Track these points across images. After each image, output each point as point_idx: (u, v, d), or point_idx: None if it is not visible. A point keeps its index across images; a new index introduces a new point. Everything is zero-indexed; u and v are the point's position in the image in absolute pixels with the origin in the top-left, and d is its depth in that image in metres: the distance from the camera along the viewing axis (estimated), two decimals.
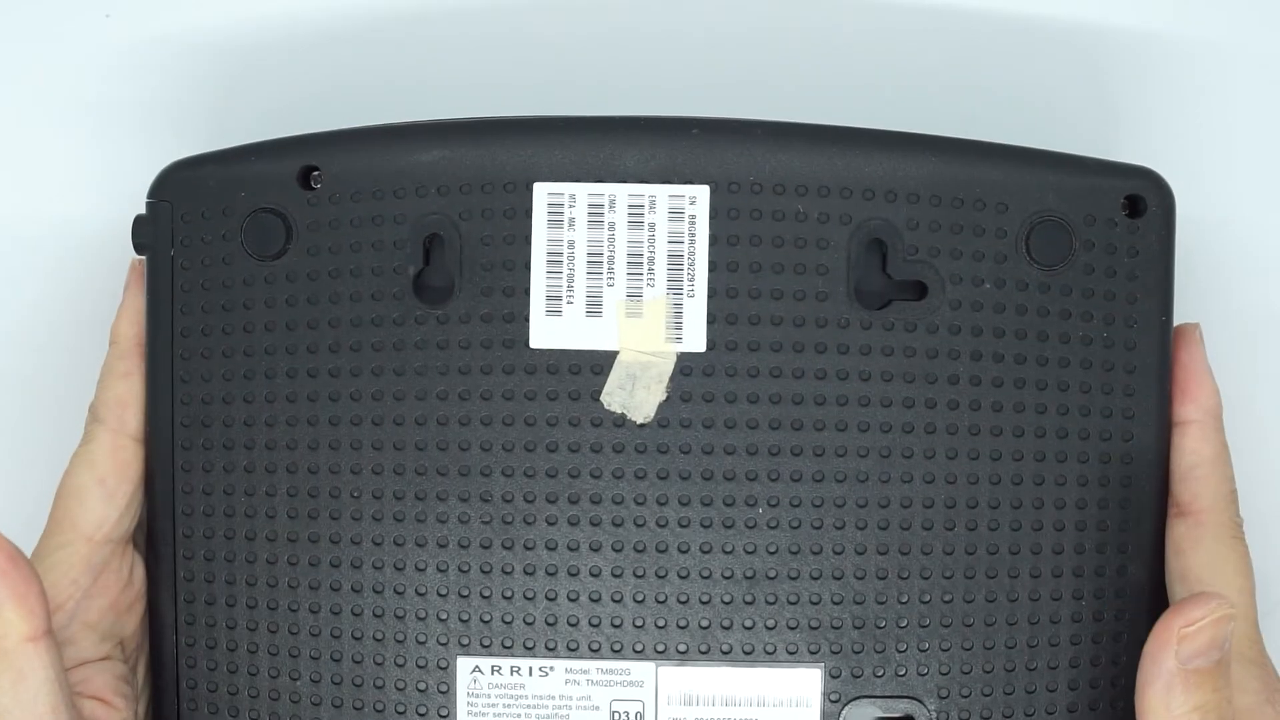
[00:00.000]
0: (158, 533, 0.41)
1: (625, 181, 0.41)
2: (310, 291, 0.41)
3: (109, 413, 0.41)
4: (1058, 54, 0.48)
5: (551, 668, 0.41)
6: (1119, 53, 0.48)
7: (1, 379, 0.48)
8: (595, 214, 0.40)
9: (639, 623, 0.41)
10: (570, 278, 0.40)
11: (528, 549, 0.41)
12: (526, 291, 0.40)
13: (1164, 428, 0.41)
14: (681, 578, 0.41)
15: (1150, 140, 0.48)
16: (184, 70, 0.48)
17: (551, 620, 0.41)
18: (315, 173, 0.41)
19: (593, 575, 0.41)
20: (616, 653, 0.41)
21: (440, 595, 0.41)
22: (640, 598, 0.41)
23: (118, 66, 0.48)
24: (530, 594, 0.41)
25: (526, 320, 0.40)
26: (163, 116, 0.48)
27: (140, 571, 0.42)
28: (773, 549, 0.40)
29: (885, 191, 0.41)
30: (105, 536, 0.40)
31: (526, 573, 0.41)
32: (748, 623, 0.41)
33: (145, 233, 0.41)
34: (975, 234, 0.41)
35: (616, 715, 0.41)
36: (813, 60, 0.47)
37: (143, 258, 0.42)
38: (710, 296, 0.40)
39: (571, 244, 0.40)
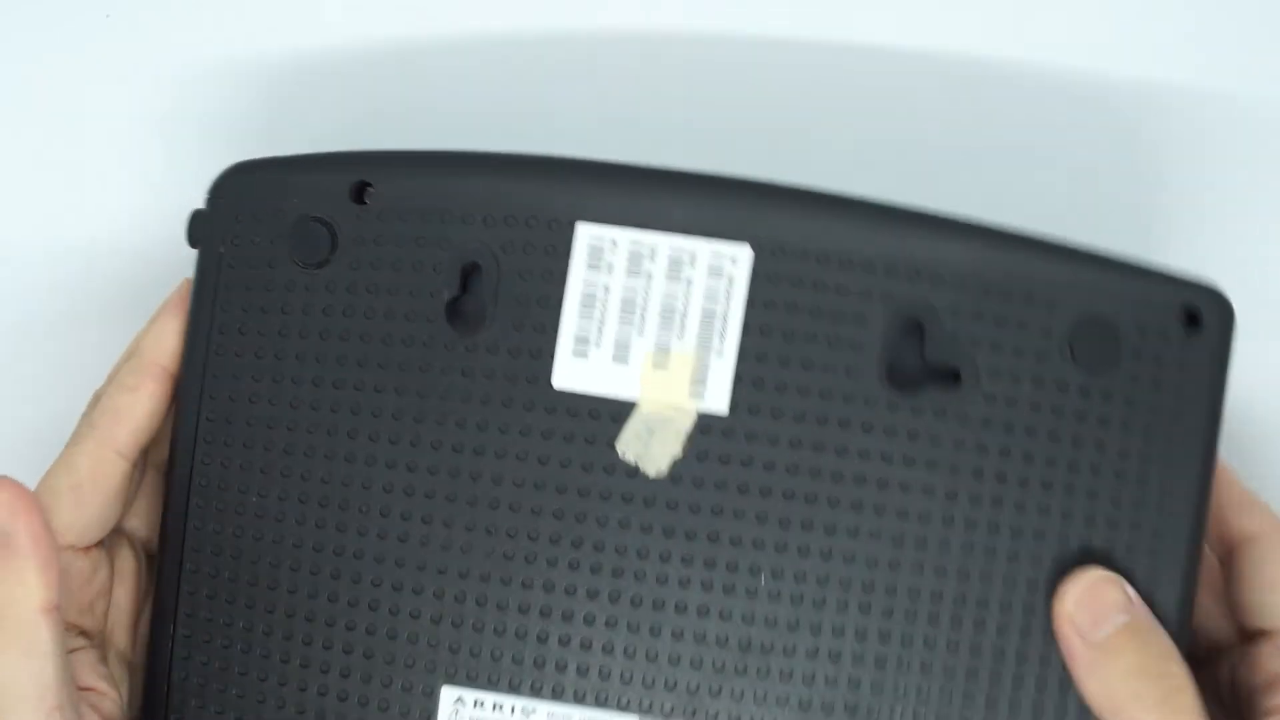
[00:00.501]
0: (170, 519, 0.42)
1: (669, 232, 0.40)
2: (347, 304, 0.41)
3: (103, 421, 0.41)
4: (1107, 120, 0.47)
5: (534, 710, 0.40)
6: (1169, 118, 0.47)
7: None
8: (635, 261, 0.40)
9: (626, 676, 0.40)
10: (601, 322, 0.40)
11: (525, 587, 0.40)
12: (556, 330, 0.40)
13: (1194, 551, 0.40)
14: (675, 637, 0.40)
15: (1199, 209, 0.47)
16: (241, 90, 0.49)
17: (540, 662, 0.40)
18: (369, 189, 0.41)
19: (586, 623, 0.40)
20: (600, 703, 0.40)
21: (433, 621, 0.41)
22: (631, 651, 0.40)
23: (183, 85, 0.50)
24: (522, 632, 0.40)
25: (552, 359, 0.40)
26: (221, 132, 0.49)
27: (105, 570, 0.42)
28: (771, 620, 0.40)
29: (931, 274, 0.40)
30: (67, 543, 0.40)
31: (521, 610, 0.40)
32: (736, 692, 0.40)
33: (200, 228, 0.42)
34: (1019, 328, 0.40)
35: None
36: (854, 123, 0.47)
37: (190, 279, 0.43)
38: (739, 358, 0.40)
39: (607, 288, 0.40)
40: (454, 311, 0.41)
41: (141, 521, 0.44)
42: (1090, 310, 0.40)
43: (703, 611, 0.40)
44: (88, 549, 0.41)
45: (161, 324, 0.42)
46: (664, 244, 0.40)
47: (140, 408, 0.41)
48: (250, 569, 0.41)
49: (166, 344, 0.42)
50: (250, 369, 0.41)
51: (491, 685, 0.40)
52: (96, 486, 0.41)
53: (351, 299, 0.41)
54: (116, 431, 0.41)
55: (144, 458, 0.43)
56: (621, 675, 0.40)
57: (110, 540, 0.43)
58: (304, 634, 0.41)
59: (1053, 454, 0.39)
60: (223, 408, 0.42)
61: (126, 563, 0.43)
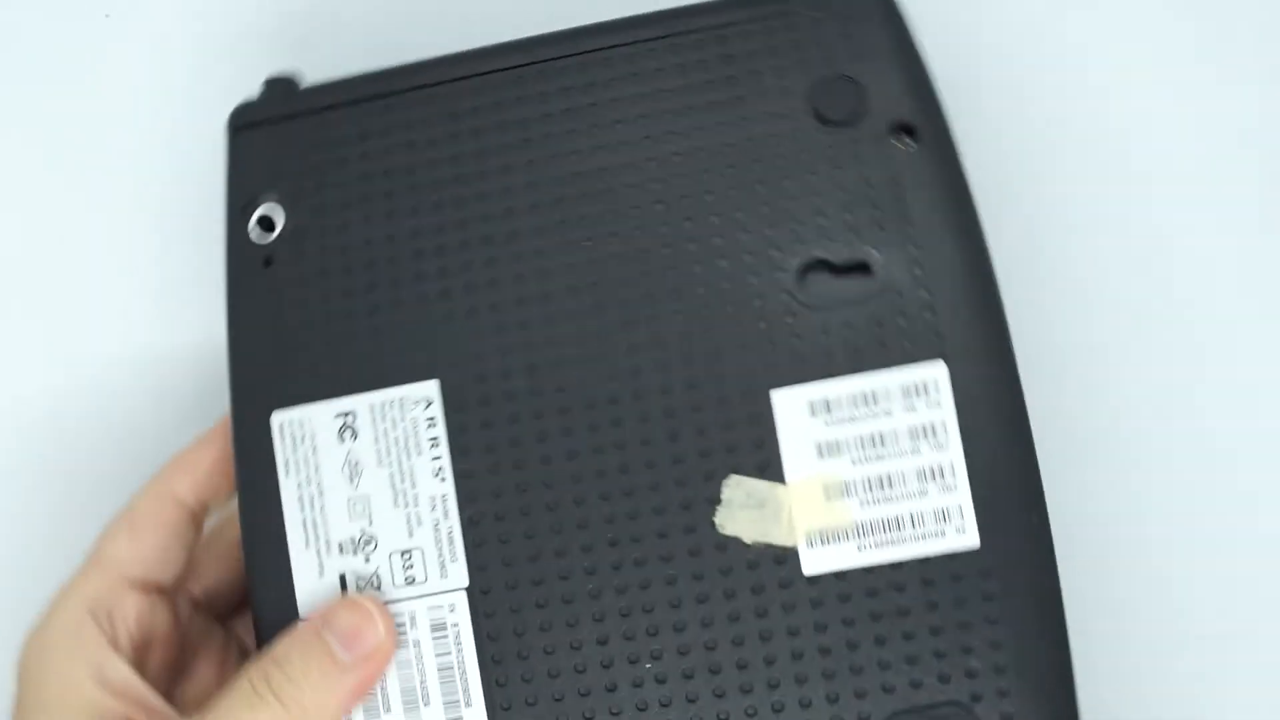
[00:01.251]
0: None
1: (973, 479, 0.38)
2: None
3: (167, 470, 0.42)
4: None
5: (441, 490, 0.39)
6: None
7: None
8: (922, 431, 0.38)
9: (497, 587, 0.39)
10: (850, 415, 0.38)
11: (539, 440, 0.39)
12: (826, 370, 0.38)
13: None
14: (569, 626, 0.38)
15: None
16: None
17: (493, 469, 0.39)
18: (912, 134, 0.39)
19: (558, 555, 0.38)
20: (479, 570, 0.39)
21: (474, 357, 0.40)
22: (543, 602, 0.38)
23: None
24: (518, 442, 0.39)
25: (795, 379, 0.38)
26: None
27: (163, 619, 0.42)
28: (640, 704, 0.38)
29: None
30: (118, 575, 0.41)
31: (538, 438, 0.39)
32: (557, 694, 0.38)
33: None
34: None
35: (408, 566, 0.39)
36: None
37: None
38: (864, 569, 0.38)
39: (889, 414, 0.38)
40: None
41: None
42: None
43: (603, 640, 0.38)
44: (145, 590, 0.41)
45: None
46: (959, 469, 0.38)
47: (204, 461, 0.42)
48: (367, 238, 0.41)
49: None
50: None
51: (457, 440, 0.39)
52: (151, 525, 0.41)
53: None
54: (178, 479, 0.42)
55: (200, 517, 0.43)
56: (495, 586, 0.39)
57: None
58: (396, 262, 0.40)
59: None
60: None
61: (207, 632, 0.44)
